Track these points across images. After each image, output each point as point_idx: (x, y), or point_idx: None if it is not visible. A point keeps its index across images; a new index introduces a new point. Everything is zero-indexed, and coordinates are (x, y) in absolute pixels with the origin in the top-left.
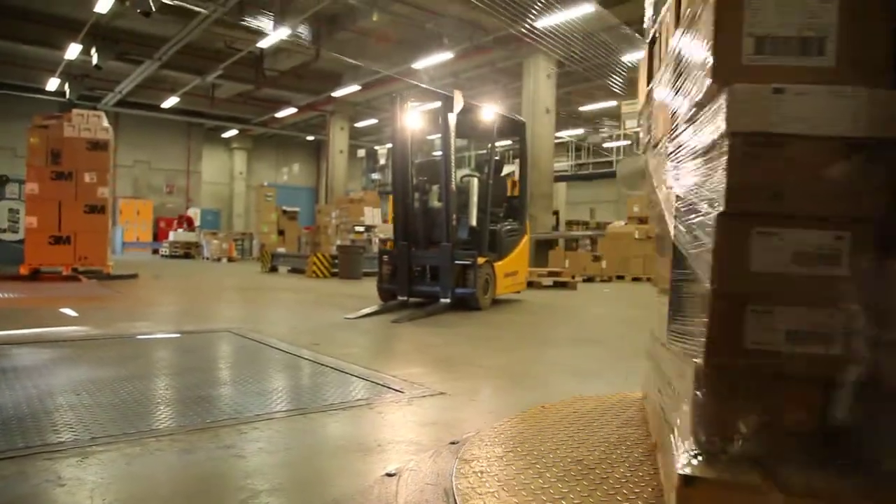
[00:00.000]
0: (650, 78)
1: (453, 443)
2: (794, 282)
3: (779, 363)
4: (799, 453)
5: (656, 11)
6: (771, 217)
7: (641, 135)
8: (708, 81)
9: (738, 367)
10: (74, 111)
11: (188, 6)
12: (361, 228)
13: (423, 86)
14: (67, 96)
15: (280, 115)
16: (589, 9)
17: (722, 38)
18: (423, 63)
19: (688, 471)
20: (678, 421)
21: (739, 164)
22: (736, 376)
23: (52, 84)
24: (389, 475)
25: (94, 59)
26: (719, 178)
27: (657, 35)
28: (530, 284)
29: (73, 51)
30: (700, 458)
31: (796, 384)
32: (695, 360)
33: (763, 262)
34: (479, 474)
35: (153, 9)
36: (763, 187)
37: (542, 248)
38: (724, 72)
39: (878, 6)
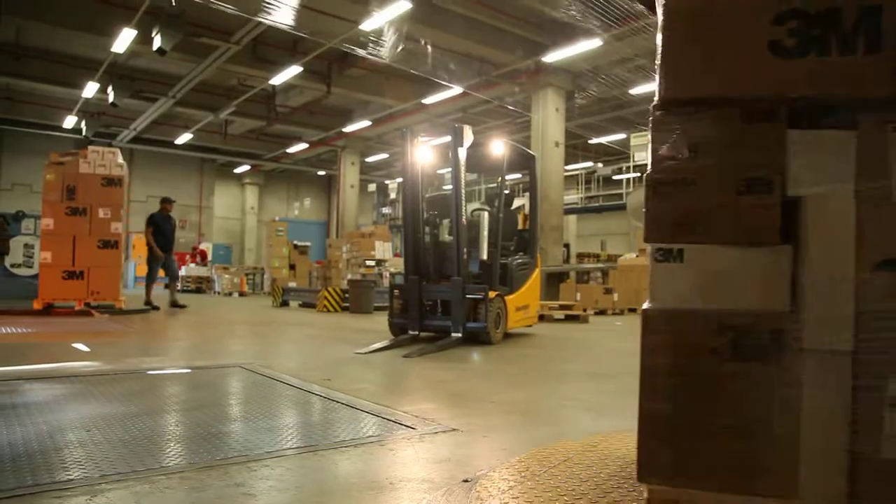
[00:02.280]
0: None
1: (466, 480)
2: None
3: None
4: None
5: None
6: None
7: None
8: None
9: None
10: (90, 148)
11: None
12: (372, 263)
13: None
14: (84, 133)
15: (292, 150)
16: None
17: None
18: (432, 98)
19: None
20: None
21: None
22: None
23: (70, 121)
24: None
25: (111, 97)
26: None
27: None
28: (542, 318)
29: (90, 89)
30: None
31: None
32: None
33: None
34: None
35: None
36: None
37: (553, 281)
38: None
39: None
